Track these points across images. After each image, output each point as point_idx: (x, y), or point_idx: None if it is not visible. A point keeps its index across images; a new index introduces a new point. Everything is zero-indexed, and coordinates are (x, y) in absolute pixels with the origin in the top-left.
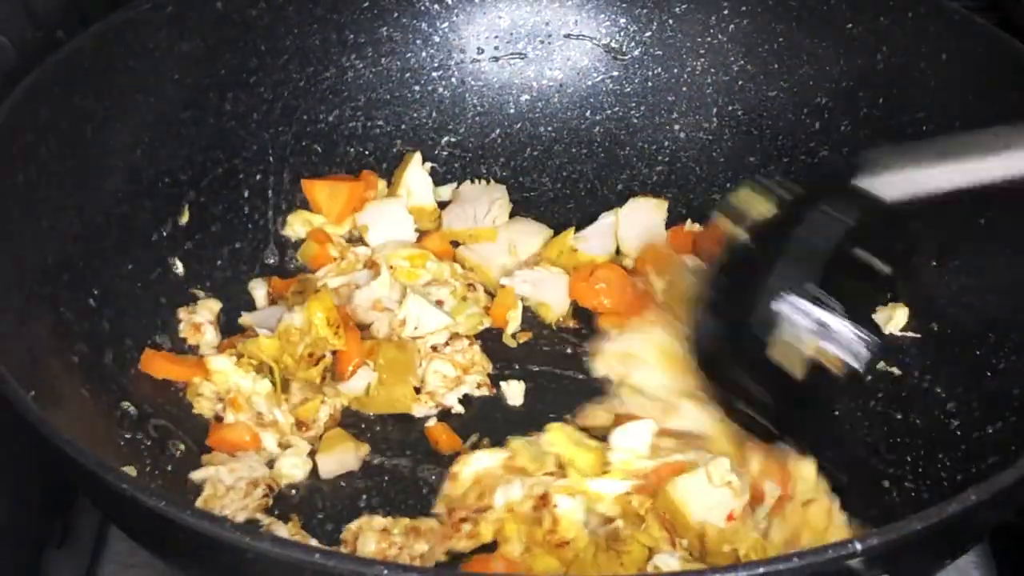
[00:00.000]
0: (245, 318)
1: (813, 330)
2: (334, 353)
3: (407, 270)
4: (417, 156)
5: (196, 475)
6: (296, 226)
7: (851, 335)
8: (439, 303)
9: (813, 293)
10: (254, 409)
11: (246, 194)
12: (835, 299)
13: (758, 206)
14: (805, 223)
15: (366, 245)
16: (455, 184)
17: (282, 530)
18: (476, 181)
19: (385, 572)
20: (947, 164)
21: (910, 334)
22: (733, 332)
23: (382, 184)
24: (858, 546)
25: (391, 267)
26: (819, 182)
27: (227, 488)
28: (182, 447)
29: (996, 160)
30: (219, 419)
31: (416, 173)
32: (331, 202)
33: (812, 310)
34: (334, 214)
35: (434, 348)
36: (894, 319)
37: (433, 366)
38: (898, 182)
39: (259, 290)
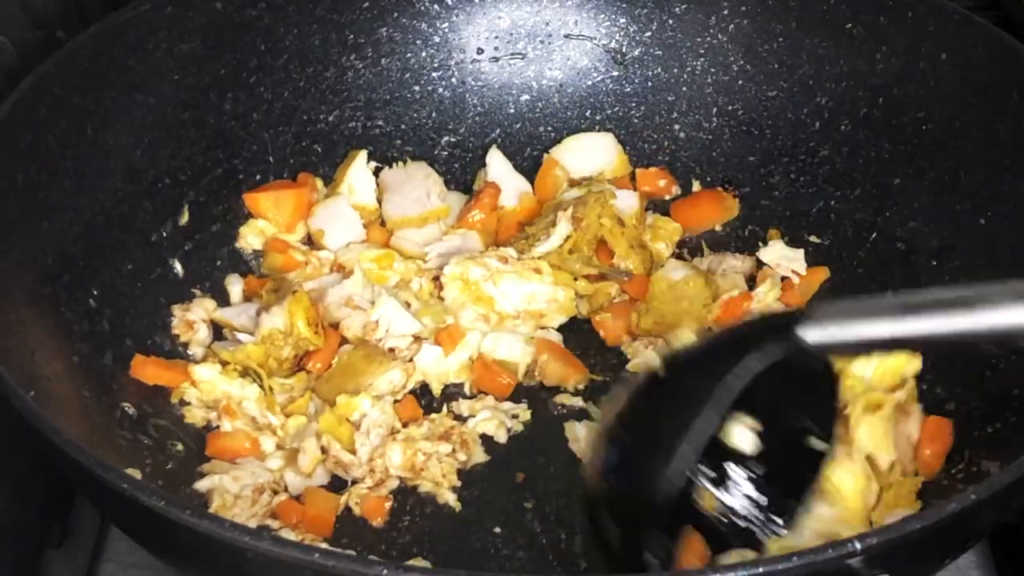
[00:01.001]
0: (218, 313)
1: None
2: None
3: (376, 272)
4: (363, 155)
5: (201, 485)
6: (249, 237)
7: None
8: (407, 305)
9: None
10: (248, 414)
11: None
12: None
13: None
14: (732, 375)
15: (326, 248)
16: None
17: (291, 534)
18: (393, 165)
19: (385, 572)
20: (890, 323)
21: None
22: (637, 473)
23: (320, 184)
24: (858, 545)
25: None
26: (755, 324)
27: (235, 497)
28: (182, 447)
29: (949, 319)
30: (210, 428)
31: (360, 171)
32: (278, 212)
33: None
34: (283, 223)
35: (392, 350)
36: None
37: (388, 376)
38: (835, 334)
39: (235, 286)
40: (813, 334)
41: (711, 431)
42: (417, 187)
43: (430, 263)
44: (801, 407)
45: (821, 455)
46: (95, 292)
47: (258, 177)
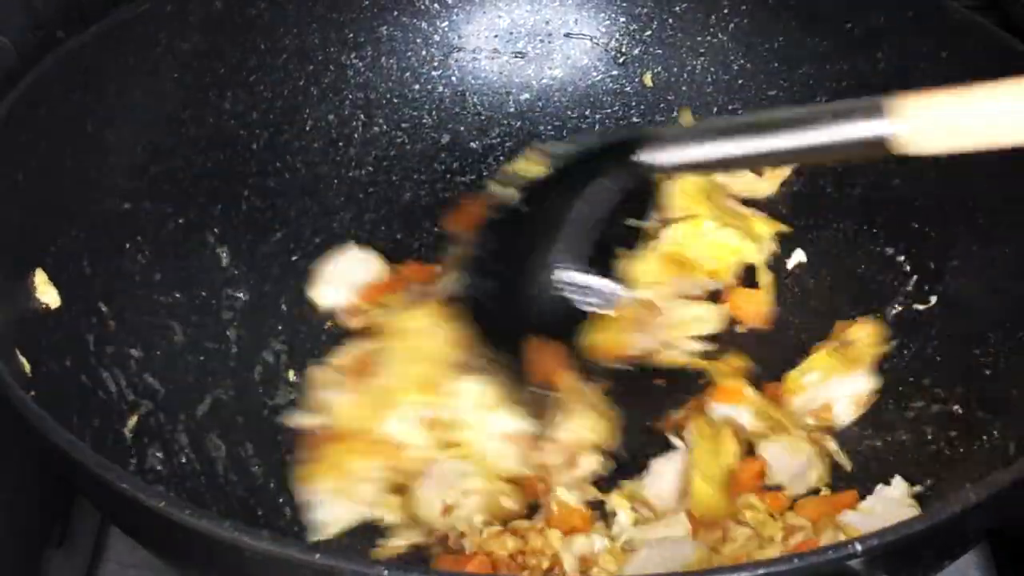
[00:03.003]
0: None
1: (581, 292)
2: None
3: None
4: None
5: None
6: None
7: (611, 292)
8: None
9: (584, 263)
10: None
11: (246, 194)
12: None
13: (531, 171)
14: (583, 198)
15: None
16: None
17: None
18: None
19: (385, 572)
20: (724, 141)
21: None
22: (503, 292)
23: None
24: (858, 546)
25: None
26: (596, 152)
27: None
28: (183, 447)
29: (777, 139)
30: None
31: None
32: None
33: (584, 279)
34: None
35: None
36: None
37: None
38: (673, 155)
39: None
40: (653, 158)
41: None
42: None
43: None
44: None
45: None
46: (95, 292)
47: (258, 177)
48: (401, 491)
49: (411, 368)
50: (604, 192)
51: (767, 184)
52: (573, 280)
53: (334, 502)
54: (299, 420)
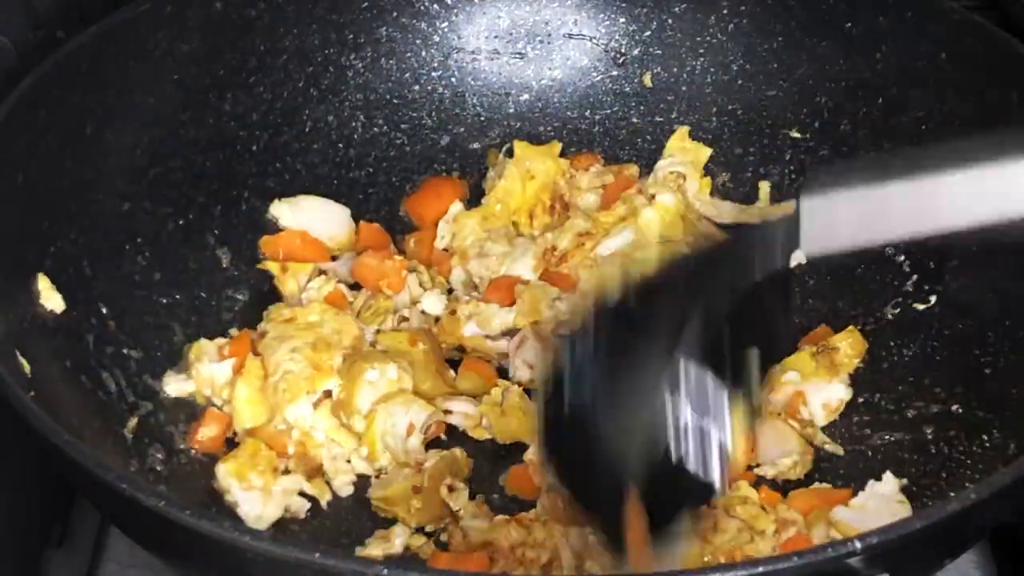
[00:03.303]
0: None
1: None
2: None
3: None
4: None
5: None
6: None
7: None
8: None
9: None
10: None
11: (246, 195)
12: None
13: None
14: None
15: None
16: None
17: None
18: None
19: (385, 572)
20: (890, 200)
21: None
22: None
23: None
24: (858, 545)
25: None
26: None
27: None
28: (185, 446)
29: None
30: None
31: None
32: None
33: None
34: None
35: None
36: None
37: None
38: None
39: None
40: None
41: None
42: None
43: None
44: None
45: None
46: (95, 293)
47: (258, 178)
48: (319, 474)
49: (308, 354)
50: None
51: (754, 211)
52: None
53: (258, 497)
54: (176, 387)
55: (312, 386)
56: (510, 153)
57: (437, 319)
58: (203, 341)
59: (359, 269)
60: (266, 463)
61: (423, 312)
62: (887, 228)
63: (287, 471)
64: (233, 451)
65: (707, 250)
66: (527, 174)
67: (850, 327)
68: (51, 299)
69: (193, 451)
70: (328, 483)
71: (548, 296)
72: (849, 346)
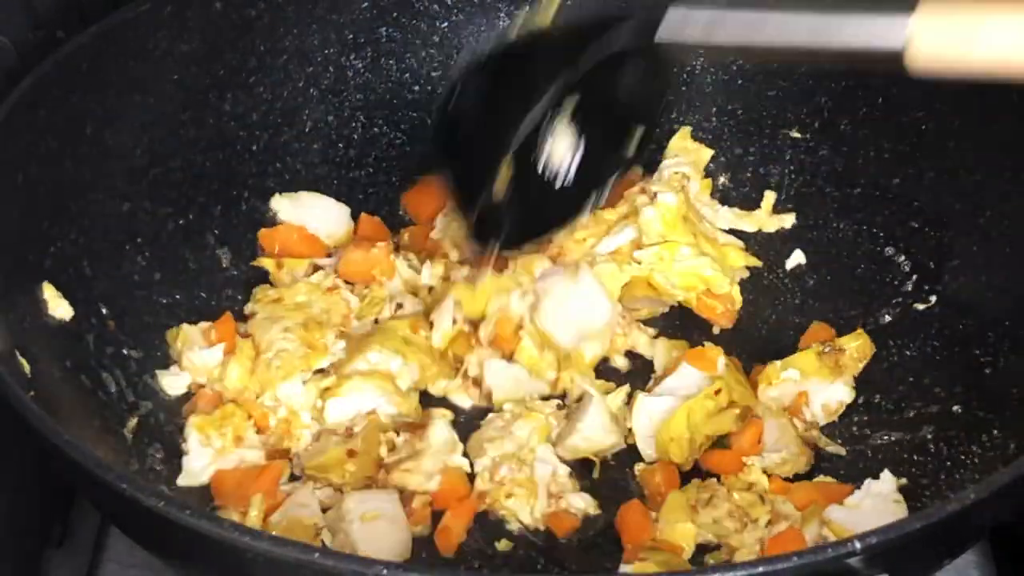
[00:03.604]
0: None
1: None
2: None
3: None
4: None
5: None
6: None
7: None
8: None
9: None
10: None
11: (246, 195)
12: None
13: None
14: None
15: None
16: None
17: None
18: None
19: (385, 572)
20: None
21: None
22: (484, 146)
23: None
24: (857, 545)
25: None
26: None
27: None
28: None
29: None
30: None
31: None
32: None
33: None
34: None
35: None
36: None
37: None
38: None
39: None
40: (676, 34)
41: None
42: None
43: None
44: (630, 94)
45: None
46: (95, 293)
47: (258, 178)
48: (282, 456)
49: (301, 334)
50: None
51: (752, 219)
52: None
53: (209, 455)
54: (170, 381)
55: (307, 364)
56: None
57: (431, 289)
58: (186, 326)
59: (347, 267)
60: (234, 430)
61: (414, 295)
62: (728, 37)
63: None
64: (211, 411)
65: (579, 23)
66: None
67: (858, 330)
68: (59, 307)
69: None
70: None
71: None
72: (856, 349)
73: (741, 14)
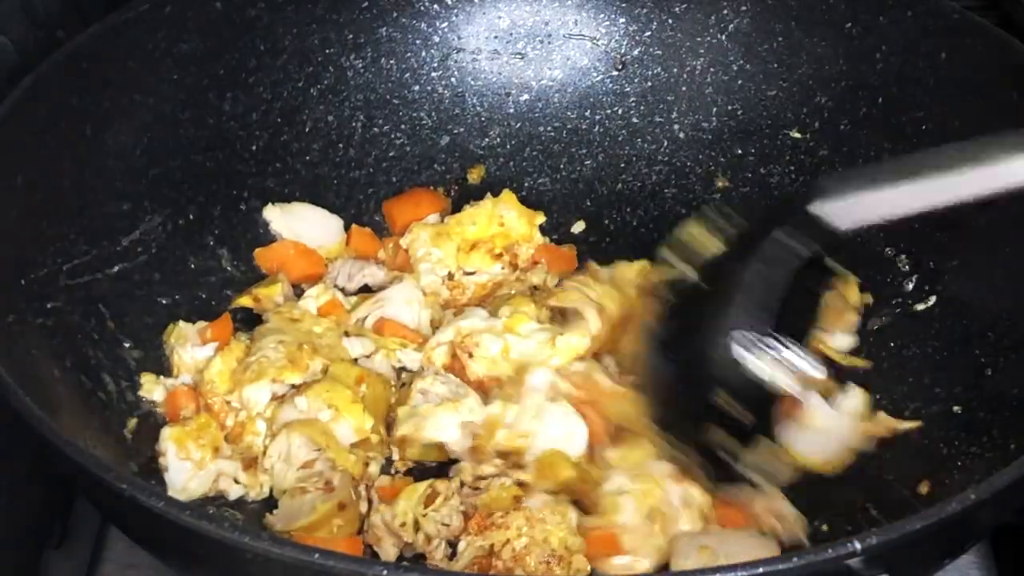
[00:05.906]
0: None
1: (770, 366)
2: None
3: None
4: None
5: None
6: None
7: (807, 366)
8: None
9: (767, 330)
10: None
11: (246, 195)
12: (787, 328)
13: (707, 243)
14: (758, 257)
15: None
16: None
17: None
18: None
19: (385, 572)
20: (903, 186)
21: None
22: (686, 374)
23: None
24: (858, 545)
25: None
26: (772, 211)
27: None
28: None
29: (957, 177)
30: None
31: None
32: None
33: (769, 347)
34: None
35: None
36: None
37: None
38: (852, 208)
39: None
40: (823, 210)
41: (749, 310)
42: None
43: None
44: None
45: None
46: (95, 294)
47: (258, 178)
48: (255, 467)
49: (291, 350)
50: (780, 250)
51: None
52: (757, 351)
53: (189, 468)
54: (150, 389)
55: (279, 375)
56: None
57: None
58: (183, 324)
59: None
60: (210, 440)
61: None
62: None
63: (229, 457)
64: (185, 420)
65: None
66: (499, 219)
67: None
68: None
69: None
70: (262, 479)
71: None
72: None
73: (906, 187)
